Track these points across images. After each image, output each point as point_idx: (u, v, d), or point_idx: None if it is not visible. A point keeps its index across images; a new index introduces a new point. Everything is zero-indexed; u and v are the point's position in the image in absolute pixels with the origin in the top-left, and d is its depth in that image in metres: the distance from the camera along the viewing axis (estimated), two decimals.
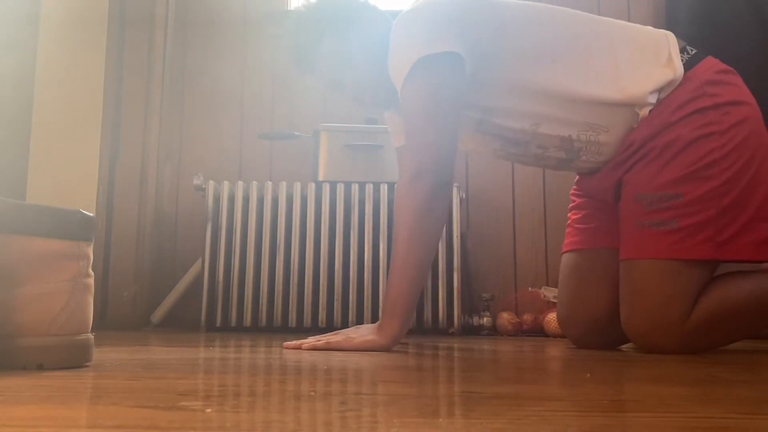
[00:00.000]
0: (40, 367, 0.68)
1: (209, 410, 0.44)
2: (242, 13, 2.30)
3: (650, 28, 1.23)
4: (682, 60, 1.15)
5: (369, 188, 1.93)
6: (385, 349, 1.07)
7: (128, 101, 2.06)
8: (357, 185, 1.94)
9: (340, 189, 1.94)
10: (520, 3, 1.21)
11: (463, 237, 1.99)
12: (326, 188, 1.94)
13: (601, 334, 1.24)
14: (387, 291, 1.11)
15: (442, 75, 1.10)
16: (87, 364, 0.73)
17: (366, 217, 1.92)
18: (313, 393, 0.54)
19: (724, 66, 1.17)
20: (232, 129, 2.24)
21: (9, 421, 0.39)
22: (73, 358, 0.71)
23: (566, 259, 1.33)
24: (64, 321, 0.69)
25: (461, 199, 1.95)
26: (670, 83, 1.13)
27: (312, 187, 1.95)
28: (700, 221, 1.08)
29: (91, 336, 0.73)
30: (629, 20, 2.11)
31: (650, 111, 1.13)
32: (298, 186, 1.95)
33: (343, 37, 1.21)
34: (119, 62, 2.06)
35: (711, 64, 1.16)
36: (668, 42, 1.17)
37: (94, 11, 2.05)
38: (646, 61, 1.15)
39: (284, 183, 1.96)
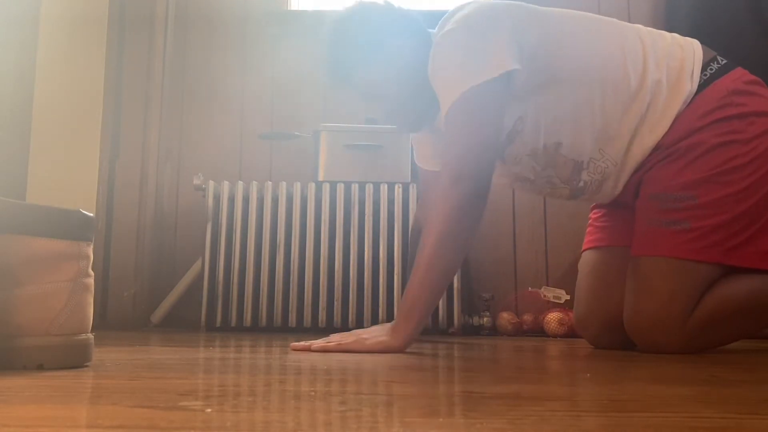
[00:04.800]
0: (40, 367, 0.68)
1: (209, 410, 0.44)
2: (242, 13, 2.30)
3: (680, 39, 1.21)
4: (711, 69, 1.15)
5: (369, 188, 1.93)
6: (398, 351, 1.04)
7: (128, 101, 2.06)
8: (357, 185, 1.94)
9: (340, 189, 1.94)
10: (569, 13, 1.21)
11: None
12: (326, 188, 1.94)
13: (619, 333, 1.21)
14: (406, 293, 1.08)
15: (491, 95, 1.09)
16: (87, 364, 0.73)
17: (366, 217, 1.92)
18: (313, 393, 0.54)
19: (752, 77, 1.17)
20: (232, 129, 2.24)
21: (9, 421, 0.39)
22: (73, 358, 0.71)
23: (586, 257, 1.33)
24: (64, 321, 0.69)
25: None
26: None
27: (312, 187, 1.95)
28: (713, 224, 1.08)
29: (91, 336, 0.73)
30: (628, 21, 2.09)
31: (676, 119, 1.13)
32: (298, 186, 1.95)
33: (382, 53, 1.18)
34: (119, 62, 2.06)
35: (739, 75, 1.16)
36: (693, 63, 1.15)
37: (94, 11, 2.05)
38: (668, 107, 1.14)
39: (284, 183, 1.95)
